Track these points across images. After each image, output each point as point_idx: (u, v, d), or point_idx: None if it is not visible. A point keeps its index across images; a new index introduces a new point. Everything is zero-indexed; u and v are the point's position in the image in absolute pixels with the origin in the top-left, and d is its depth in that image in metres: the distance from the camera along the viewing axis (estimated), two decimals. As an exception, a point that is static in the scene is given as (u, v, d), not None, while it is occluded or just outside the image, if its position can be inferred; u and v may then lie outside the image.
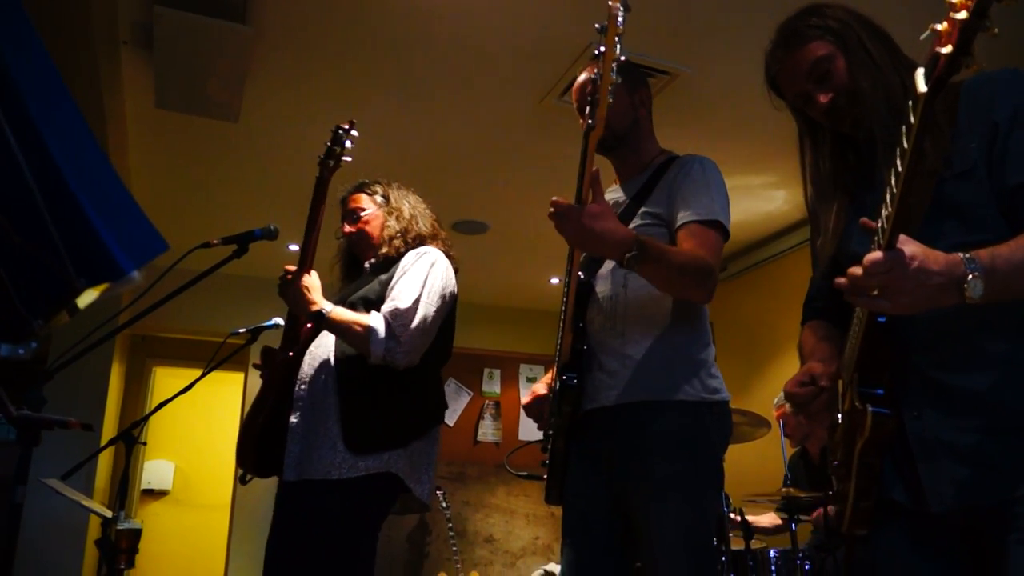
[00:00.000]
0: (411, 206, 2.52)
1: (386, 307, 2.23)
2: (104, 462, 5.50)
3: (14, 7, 0.90)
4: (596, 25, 1.67)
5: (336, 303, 2.31)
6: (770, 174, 4.44)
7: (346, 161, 2.42)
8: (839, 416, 1.35)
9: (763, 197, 4.82)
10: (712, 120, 3.93)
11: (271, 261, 6.04)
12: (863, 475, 1.26)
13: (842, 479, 1.33)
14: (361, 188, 2.57)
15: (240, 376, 6.29)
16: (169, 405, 2.96)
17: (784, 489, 3.29)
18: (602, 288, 1.92)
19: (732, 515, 3.36)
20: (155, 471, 7.49)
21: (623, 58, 1.63)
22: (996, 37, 0.93)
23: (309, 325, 2.30)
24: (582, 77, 1.99)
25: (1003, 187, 1.21)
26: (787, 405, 3.89)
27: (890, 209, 1.05)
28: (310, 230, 2.40)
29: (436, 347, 2.33)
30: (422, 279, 2.27)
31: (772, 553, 3.22)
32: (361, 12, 3.17)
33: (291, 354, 2.31)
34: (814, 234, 1.49)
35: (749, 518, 3.67)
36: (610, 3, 1.71)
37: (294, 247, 5.65)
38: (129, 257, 0.88)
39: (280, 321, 3.14)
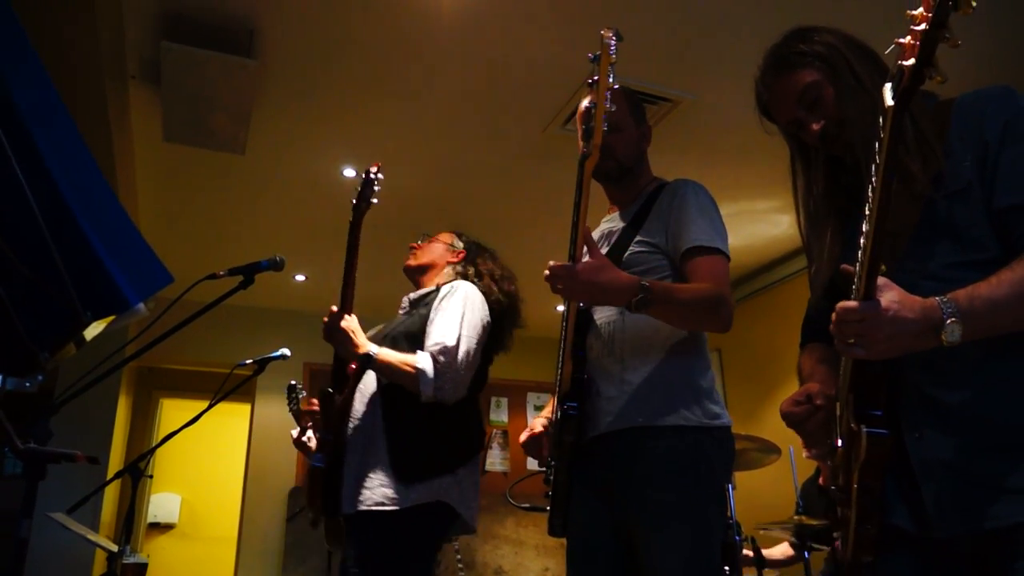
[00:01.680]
0: (488, 271, 2.55)
1: (431, 345, 2.27)
2: (110, 495, 5.47)
3: (21, 42, 0.91)
4: (590, 55, 1.69)
5: (379, 337, 2.39)
6: (774, 199, 4.45)
7: (375, 203, 2.52)
8: (838, 440, 1.33)
9: (768, 221, 4.82)
10: (715, 146, 3.95)
11: (278, 292, 6.07)
12: (863, 499, 1.24)
13: (843, 504, 1.31)
14: (454, 231, 2.70)
15: (247, 407, 6.27)
16: (176, 437, 2.95)
17: (796, 517, 3.25)
18: (601, 315, 1.92)
19: (745, 549, 3.31)
20: (161, 504, 7.45)
21: (616, 86, 1.66)
22: (959, 48, 0.94)
23: (354, 366, 2.34)
24: (584, 103, 2.00)
25: (993, 208, 1.20)
26: None
27: (864, 259, 1.06)
28: (348, 271, 2.46)
29: (475, 376, 2.39)
30: (459, 313, 2.31)
31: (785, 582, 3.17)
32: (365, 46, 3.21)
33: (341, 396, 2.39)
34: (809, 257, 1.48)
35: (762, 551, 3.62)
36: (602, 32, 1.73)
37: (300, 278, 5.67)
38: (135, 290, 0.89)
39: (287, 352, 3.15)
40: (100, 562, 4.91)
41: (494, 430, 6.73)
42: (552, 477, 1.93)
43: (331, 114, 3.71)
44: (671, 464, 1.73)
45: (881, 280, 1.08)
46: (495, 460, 6.65)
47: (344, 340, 2.29)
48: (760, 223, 4.84)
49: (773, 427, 4.25)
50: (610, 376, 1.84)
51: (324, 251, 5.28)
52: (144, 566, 4.06)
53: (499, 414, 6.80)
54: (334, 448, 2.32)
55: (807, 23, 1.47)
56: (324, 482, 2.31)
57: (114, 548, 3.60)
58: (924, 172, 1.22)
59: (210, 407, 2.88)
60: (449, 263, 2.55)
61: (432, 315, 2.35)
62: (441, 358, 2.23)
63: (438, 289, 2.44)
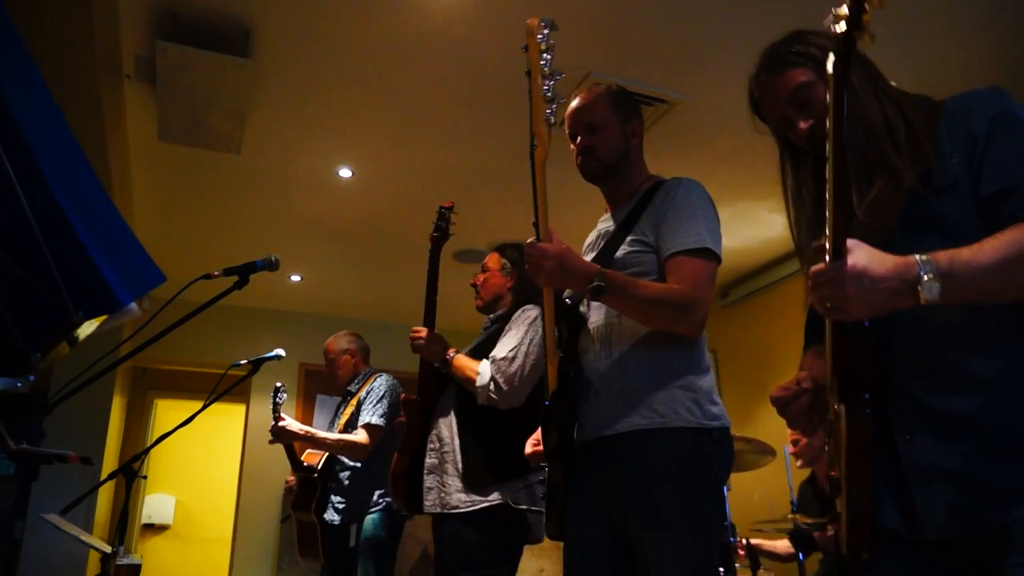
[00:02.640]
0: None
1: (493, 356, 2.50)
2: (104, 496, 5.45)
3: (13, 41, 0.90)
4: (523, 47, 1.80)
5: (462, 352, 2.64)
6: (770, 200, 4.45)
7: (452, 235, 2.82)
8: (829, 430, 1.33)
9: (763, 223, 4.83)
10: (711, 147, 3.95)
11: (273, 293, 6.06)
12: (853, 485, 1.24)
13: (836, 494, 1.32)
14: (497, 249, 2.90)
15: (242, 408, 6.26)
16: (170, 438, 2.94)
17: (791, 516, 3.25)
18: (595, 317, 1.91)
19: (739, 547, 3.32)
20: (156, 505, 7.43)
21: (597, 84, 1.75)
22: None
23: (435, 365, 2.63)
24: (574, 104, 2.01)
25: (980, 196, 1.22)
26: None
27: (829, 215, 1.07)
28: (430, 294, 2.76)
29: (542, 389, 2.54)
30: (523, 331, 2.52)
31: (780, 583, 3.17)
32: (360, 46, 3.20)
33: (419, 399, 2.69)
34: (801, 259, 1.49)
35: (764, 543, 3.62)
36: (528, 22, 1.78)
37: (295, 278, 5.67)
38: (127, 289, 0.88)
39: (282, 352, 3.16)
40: (94, 563, 4.89)
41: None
42: (546, 478, 1.93)
43: (327, 114, 3.70)
44: (670, 466, 1.72)
45: (851, 242, 1.09)
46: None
47: (433, 347, 2.58)
48: (755, 224, 4.85)
49: (768, 428, 4.27)
50: (608, 379, 1.83)
51: (319, 252, 5.28)
52: (138, 567, 4.05)
53: (495, 415, 6.78)
54: (415, 450, 2.61)
55: (802, 24, 1.48)
56: (405, 479, 2.61)
57: (108, 549, 3.59)
58: (912, 169, 1.25)
59: (204, 407, 2.87)
60: (507, 288, 2.78)
61: (503, 334, 2.60)
62: (496, 367, 2.44)
63: (512, 311, 2.68)
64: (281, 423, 3.54)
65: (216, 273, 2.55)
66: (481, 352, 2.60)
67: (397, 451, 2.69)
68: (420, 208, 4.68)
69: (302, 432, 3.53)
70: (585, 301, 1.96)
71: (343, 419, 3.69)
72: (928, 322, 1.23)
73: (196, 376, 6.43)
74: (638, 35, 3.16)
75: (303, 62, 3.32)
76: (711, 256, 1.82)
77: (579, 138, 1.98)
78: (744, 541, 3.35)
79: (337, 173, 4.24)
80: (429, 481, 2.52)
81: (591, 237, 2.08)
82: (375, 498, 3.48)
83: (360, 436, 3.48)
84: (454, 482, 2.45)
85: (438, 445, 2.55)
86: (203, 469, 7.51)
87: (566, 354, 1.91)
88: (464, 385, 2.52)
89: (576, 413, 1.88)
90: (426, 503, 2.52)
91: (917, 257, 1.10)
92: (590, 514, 1.83)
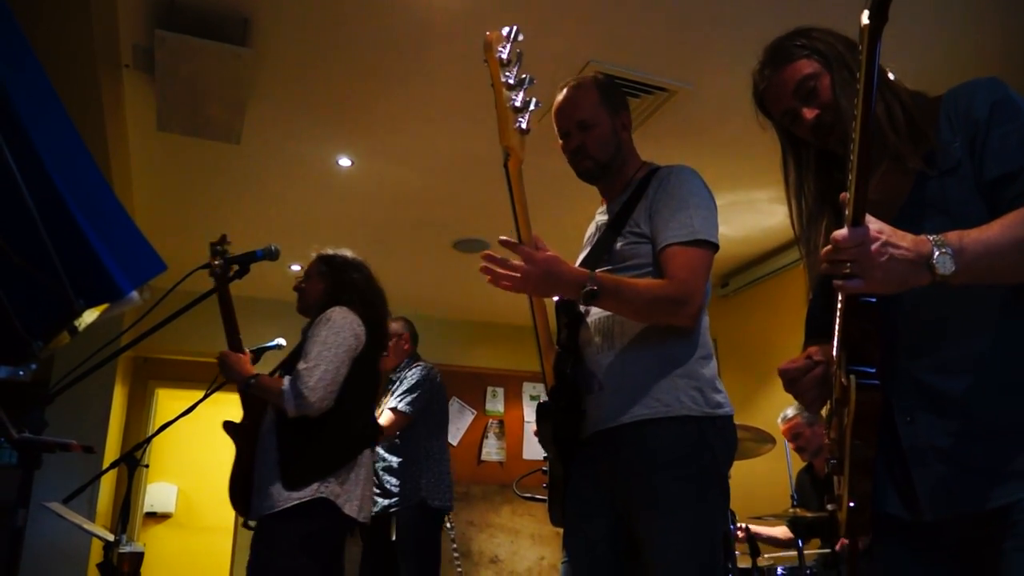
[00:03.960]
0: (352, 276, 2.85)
1: (297, 368, 2.55)
2: (106, 485, 5.48)
3: (12, 32, 0.90)
4: (484, 60, 1.78)
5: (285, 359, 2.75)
6: (771, 188, 4.45)
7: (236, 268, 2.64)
8: (834, 410, 1.34)
9: (763, 212, 4.82)
10: (712, 135, 3.95)
11: (273, 282, 6.05)
12: (856, 464, 1.24)
13: (838, 475, 1.32)
14: (319, 256, 2.96)
15: (243, 397, 6.26)
16: (172, 427, 2.96)
17: (792, 510, 3.26)
18: (596, 311, 1.90)
19: (738, 532, 3.33)
20: (158, 494, 7.45)
21: (580, 80, 1.74)
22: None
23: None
24: (560, 99, 2.02)
25: (984, 181, 1.24)
26: (799, 416, 3.86)
27: (851, 179, 1.05)
28: (228, 321, 2.77)
29: (356, 382, 2.64)
30: (321, 336, 2.58)
31: (780, 570, 3.19)
32: (360, 36, 3.19)
33: (245, 422, 2.79)
34: (805, 253, 1.50)
35: (762, 529, 3.64)
36: (487, 35, 1.80)
37: (296, 267, 5.67)
38: (127, 278, 0.88)
39: (283, 342, 3.17)
40: (97, 551, 4.92)
41: (490, 420, 6.74)
42: (548, 471, 1.95)
43: (326, 103, 3.69)
44: (673, 453, 1.73)
45: (869, 216, 1.08)
46: (491, 450, 6.67)
47: (235, 367, 2.65)
48: (755, 213, 4.84)
49: (767, 416, 4.28)
50: (610, 370, 1.83)
51: (319, 241, 5.26)
52: (140, 555, 4.06)
53: (495, 404, 6.81)
54: (241, 460, 2.74)
55: (802, 11, 1.49)
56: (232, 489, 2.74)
57: (111, 537, 3.61)
58: (915, 152, 1.26)
59: (206, 397, 2.90)
60: (321, 292, 2.82)
61: (306, 341, 2.66)
62: (297, 379, 2.50)
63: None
64: None
65: (216, 263, 2.56)
66: (291, 356, 2.72)
67: (232, 468, 2.80)
68: (420, 197, 4.68)
69: None
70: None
71: (382, 406, 3.79)
72: (930, 304, 1.24)
73: (197, 365, 6.43)
74: (638, 23, 3.15)
75: (302, 51, 3.31)
76: (705, 245, 1.81)
77: (570, 136, 1.97)
78: (743, 527, 3.37)
79: (337, 162, 4.23)
80: (256, 488, 2.59)
81: (590, 230, 2.08)
82: (413, 491, 3.54)
83: (382, 420, 3.56)
84: (275, 482, 2.50)
85: (264, 455, 2.63)
86: (205, 458, 7.52)
87: (566, 349, 1.91)
88: (272, 402, 2.60)
89: (579, 406, 1.88)
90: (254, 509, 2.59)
91: (929, 236, 1.10)
92: (592, 503, 1.83)
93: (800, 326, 1.61)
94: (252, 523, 2.64)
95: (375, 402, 2.90)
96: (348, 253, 2.93)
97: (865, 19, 1.00)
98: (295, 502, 2.44)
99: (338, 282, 2.77)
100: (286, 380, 2.54)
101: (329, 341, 2.56)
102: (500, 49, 1.84)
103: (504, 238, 1.69)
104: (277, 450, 2.55)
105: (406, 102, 3.68)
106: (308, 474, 2.49)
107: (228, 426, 2.86)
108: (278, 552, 2.46)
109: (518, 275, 1.65)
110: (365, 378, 2.72)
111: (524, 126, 1.85)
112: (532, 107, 1.87)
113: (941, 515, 1.20)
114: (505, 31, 1.85)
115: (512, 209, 1.80)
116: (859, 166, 1.05)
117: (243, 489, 2.66)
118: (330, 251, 2.93)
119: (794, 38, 1.44)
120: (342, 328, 2.62)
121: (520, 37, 1.84)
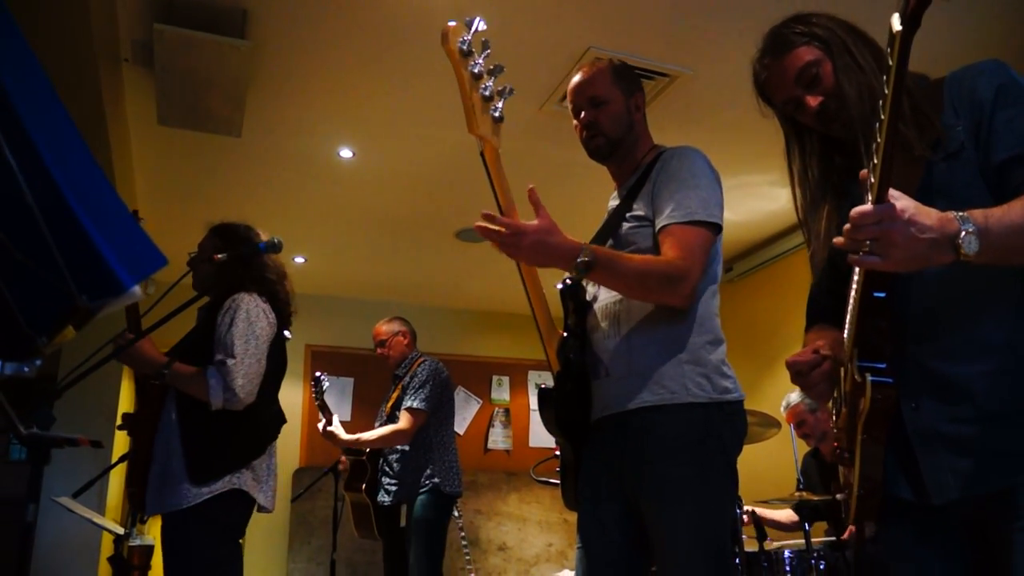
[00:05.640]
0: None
1: (216, 360, 2.50)
2: (116, 479, 5.51)
3: (9, 28, 0.90)
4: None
5: (179, 344, 2.66)
6: (773, 172, 4.43)
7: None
8: (842, 400, 1.34)
9: (766, 196, 4.81)
10: (713, 120, 3.93)
11: (277, 274, 6.07)
12: (867, 457, 1.25)
13: (847, 465, 1.33)
14: (211, 229, 2.86)
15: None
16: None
17: (798, 493, 3.26)
18: (604, 296, 1.90)
19: (745, 516, 3.34)
20: (167, 487, 7.49)
21: (597, 61, 1.71)
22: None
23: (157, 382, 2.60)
24: (576, 79, 2.00)
25: (989, 165, 1.23)
26: (802, 403, 3.86)
27: (876, 162, 1.03)
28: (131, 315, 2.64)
29: (267, 372, 2.62)
30: (240, 327, 2.55)
31: (787, 554, 3.20)
32: (359, 27, 3.18)
33: (142, 412, 2.67)
34: (808, 239, 1.49)
35: (767, 513, 3.65)
36: (443, 28, 1.79)
37: (299, 259, 5.67)
38: (129, 272, 0.89)
39: (288, 334, 3.17)
40: (107, 545, 4.95)
41: (496, 408, 6.75)
42: (560, 456, 1.96)
43: (327, 95, 3.69)
44: (679, 440, 1.73)
45: (893, 191, 1.05)
46: (497, 438, 6.68)
47: (142, 356, 2.51)
48: (758, 198, 4.83)
49: (773, 401, 4.27)
50: (617, 355, 1.83)
51: (323, 232, 5.28)
52: (151, 548, 4.09)
53: (500, 393, 6.82)
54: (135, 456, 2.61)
55: (805, 2, 1.48)
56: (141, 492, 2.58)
57: (121, 531, 3.64)
58: (921, 139, 1.25)
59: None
60: (215, 271, 2.70)
61: (218, 328, 2.59)
62: (224, 373, 2.46)
63: (222, 298, 2.65)
64: (329, 428, 3.77)
65: (220, 256, 2.56)
66: (193, 342, 2.63)
67: (128, 462, 2.69)
68: (422, 187, 4.68)
69: (350, 440, 3.76)
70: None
71: (390, 403, 3.89)
72: (939, 289, 1.24)
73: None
74: (637, 9, 3.13)
75: (301, 43, 3.30)
76: (705, 225, 1.79)
77: (583, 113, 1.96)
78: (750, 511, 3.38)
79: (338, 154, 4.23)
80: (155, 483, 2.51)
81: (606, 217, 2.07)
82: (423, 479, 3.64)
83: (402, 422, 3.67)
84: (182, 478, 2.44)
85: (165, 447, 2.53)
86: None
87: (572, 335, 1.90)
88: (191, 393, 2.50)
89: (586, 391, 1.88)
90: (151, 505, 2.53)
91: (954, 213, 1.07)
92: (603, 489, 1.84)
93: (805, 311, 1.61)
94: (147, 519, 2.62)
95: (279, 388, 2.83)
96: (241, 224, 2.83)
97: (897, 25, 0.98)
98: (206, 496, 2.42)
99: (237, 260, 2.61)
100: (210, 371, 2.48)
101: (249, 334, 2.54)
102: (461, 40, 1.82)
103: (486, 212, 1.69)
104: (181, 443, 2.48)
105: (406, 92, 3.67)
106: (219, 467, 2.47)
107: (125, 418, 2.73)
108: (202, 544, 2.45)
109: (512, 233, 1.65)
110: (274, 367, 2.71)
111: (498, 114, 1.85)
112: (508, 95, 1.85)
113: (947, 498, 1.20)
114: (466, 21, 1.83)
115: (494, 196, 1.80)
116: (886, 145, 1.03)
117: (140, 484, 2.56)
118: (222, 222, 2.83)
119: (793, 24, 1.43)
120: (258, 318, 2.60)
121: (482, 27, 1.82)
